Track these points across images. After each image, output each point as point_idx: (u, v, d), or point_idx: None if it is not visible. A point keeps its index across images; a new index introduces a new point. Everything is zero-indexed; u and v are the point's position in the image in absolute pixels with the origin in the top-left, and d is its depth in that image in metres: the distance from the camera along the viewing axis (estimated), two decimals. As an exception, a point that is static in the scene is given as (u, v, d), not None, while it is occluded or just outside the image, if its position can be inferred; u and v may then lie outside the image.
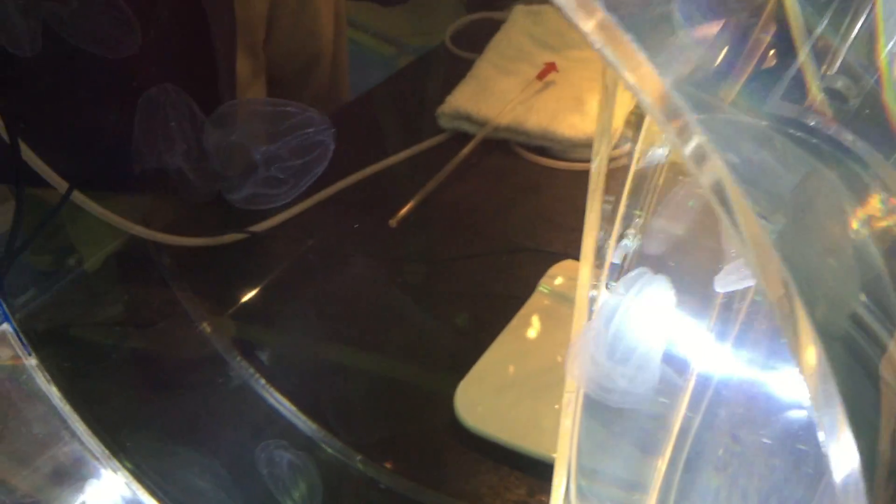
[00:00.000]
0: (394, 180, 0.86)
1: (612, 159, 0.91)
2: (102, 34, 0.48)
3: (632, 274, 0.32)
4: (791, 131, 0.29)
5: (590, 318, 0.33)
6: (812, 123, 0.29)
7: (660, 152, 0.34)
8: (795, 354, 0.19)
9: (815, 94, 0.32)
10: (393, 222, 0.79)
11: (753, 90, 0.30)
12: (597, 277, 0.34)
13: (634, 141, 0.34)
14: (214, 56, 0.74)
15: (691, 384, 0.51)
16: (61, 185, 0.49)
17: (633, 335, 0.31)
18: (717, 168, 0.18)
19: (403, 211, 0.80)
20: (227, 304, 0.67)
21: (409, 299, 0.72)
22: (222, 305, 0.65)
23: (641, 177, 0.35)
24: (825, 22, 0.29)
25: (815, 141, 0.28)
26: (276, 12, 0.86)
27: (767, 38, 0.32)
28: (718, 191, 0.18)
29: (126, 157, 0.48)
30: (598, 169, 0.32)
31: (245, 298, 0.68)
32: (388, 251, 0.77)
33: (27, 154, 0.48)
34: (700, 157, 0.18)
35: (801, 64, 0.30)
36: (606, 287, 0.34)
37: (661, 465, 0.48)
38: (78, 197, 0.50)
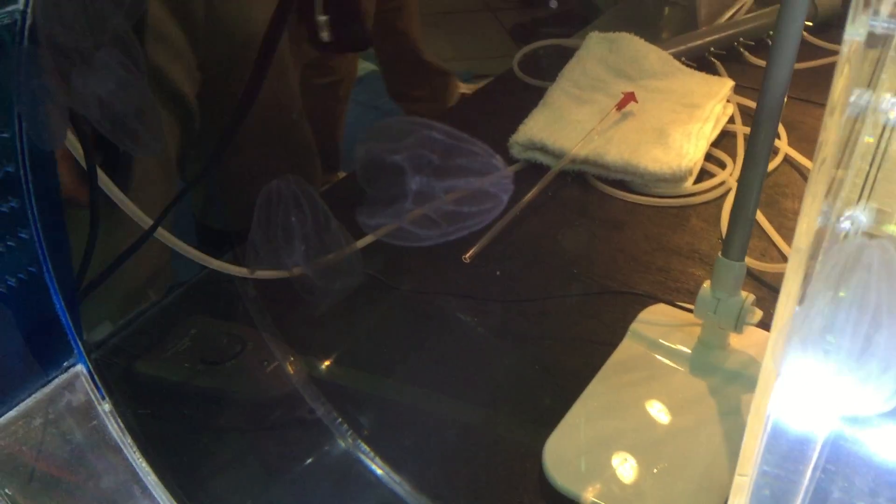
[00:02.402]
0: (466, 212, 0.81)
1: (700, 192, 0.85)
2: (130, 130, 0.43)
3: (847, 247, 0.27)
4: None
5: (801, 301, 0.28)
6: None
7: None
8: None
9: None
10: (467, 257, 0.75)
11: None
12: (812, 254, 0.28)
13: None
14: None
15: (815, 455, 0.46)
16: (144, 220, 0.45)
17: (859, 319, 0.26)
18: None
19: (478, 246, 0.76)
20: (297, 339, 0.63)
21: (488, 341, 0.67)
22: (294, 341, 0.61)
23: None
24: None
25: None
26: None
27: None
28: None
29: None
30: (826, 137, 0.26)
31: (315, 333, 0.64)
32: (461, 288, 0.72)
33: (109, 187, 0.44)
34: None
35: None
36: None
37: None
38: (160, 232, 0.47)
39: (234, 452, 0.53)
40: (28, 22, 0.35)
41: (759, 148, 0.54)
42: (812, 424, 0.33)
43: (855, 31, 0.23)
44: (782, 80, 0.51)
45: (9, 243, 0.37)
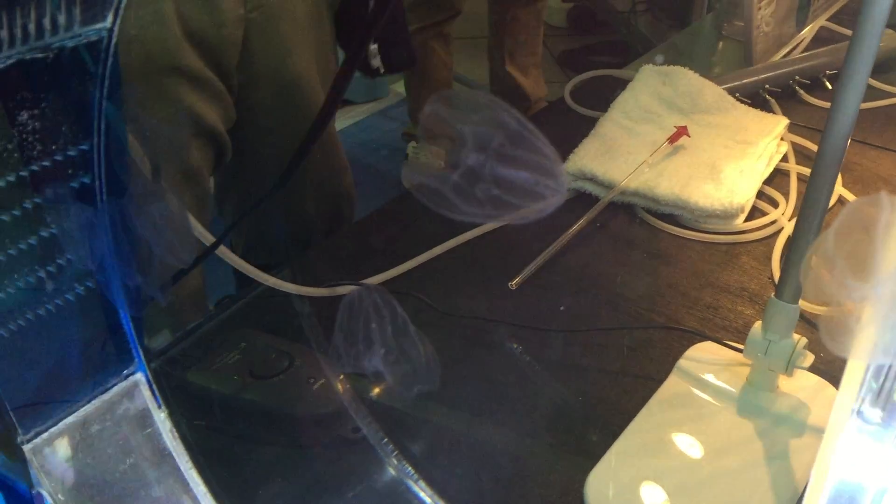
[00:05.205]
0: (514, 239, 0.81)
1: (752, 230, 0.83)
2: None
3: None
4: None
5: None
6: None
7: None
8: None
9: None
10: (513, 284, 0.75)
11: None
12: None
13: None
14: None
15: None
16: (207, 237, 0.47)
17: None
18: None
19: (524, 273, 0.76)
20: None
21: (532, 369, 0.67)
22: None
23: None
24: None
25: None
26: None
27: None
28: None
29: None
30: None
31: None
32: (507, 315, 0.72)
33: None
34: None
35: None
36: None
37: None
38: (221, 249, 0.48)
39: (279, 468, 0.54)
40: (114, 40, 0.36)
41: (819, 191, 0.53)
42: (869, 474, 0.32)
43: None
44: (846, 124, 0.50)
45: (80, 252, 0.38)
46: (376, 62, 0.99)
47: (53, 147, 0.38)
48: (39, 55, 0.35)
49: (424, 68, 2.04)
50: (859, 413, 0.28)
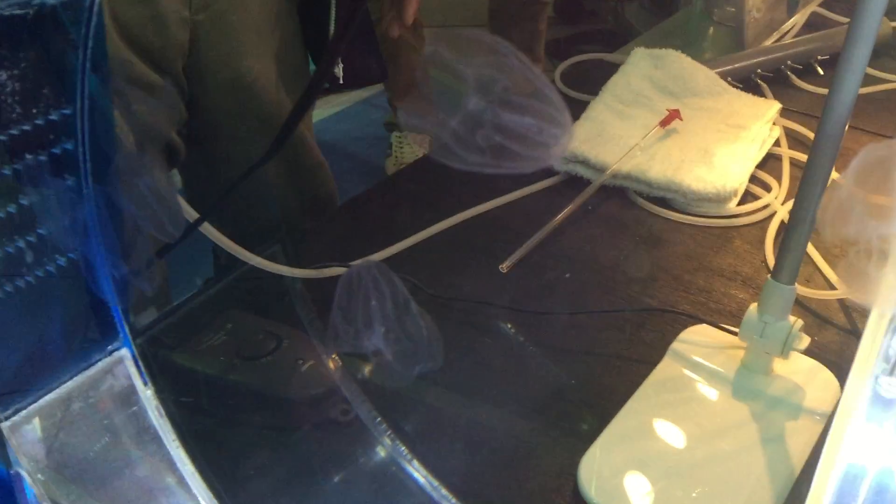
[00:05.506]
0: (505, 223, 0.80)
1: (745, 214, 0.83)
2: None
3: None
4: None
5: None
6: None
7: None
8: None
9: None
10: (504, 267, 0.74)
11: None
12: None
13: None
14: None
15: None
16: (191, 213, 0.45)
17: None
18: None
19: (515, 256, 0.75)
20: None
21: (525, 352, 0.66)
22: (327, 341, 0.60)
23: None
24: None
25: None
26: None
27: None
28: None
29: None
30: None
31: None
32: (498, 298, 0.71)
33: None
34: None
35: None
36: None
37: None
38: (205, 227, 0.46)
39: (269, 449, 0.52)
40: (97, 1, 0.35)
41: (816, 174, 0.52)
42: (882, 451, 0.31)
43: None
44: (844, 109, 0.50)
45: (62, 223, 0.37)
46: (338, 71, 0.96)
47: (34, 111, 0.36)
48: (19, 11, 0.33)
49: (394, 55, 1.99)
50: (875, 386, 0.27)
